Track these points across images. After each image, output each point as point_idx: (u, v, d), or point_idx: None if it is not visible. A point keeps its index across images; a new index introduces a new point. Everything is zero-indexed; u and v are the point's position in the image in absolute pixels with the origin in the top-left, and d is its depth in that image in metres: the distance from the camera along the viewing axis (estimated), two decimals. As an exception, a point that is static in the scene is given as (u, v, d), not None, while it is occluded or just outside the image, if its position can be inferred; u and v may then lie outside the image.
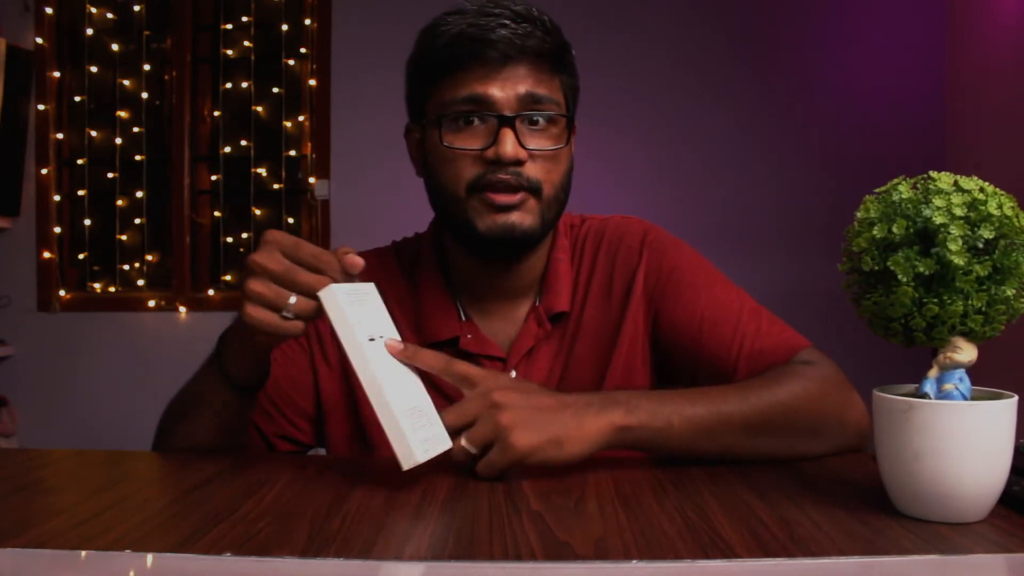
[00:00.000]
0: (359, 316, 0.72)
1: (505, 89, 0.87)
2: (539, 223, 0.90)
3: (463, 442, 0.73)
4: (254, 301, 0.72)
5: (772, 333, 0.93)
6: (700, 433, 0.78)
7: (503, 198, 0.87)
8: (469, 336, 0.95)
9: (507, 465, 0.73)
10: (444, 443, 0.73)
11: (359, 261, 0.73)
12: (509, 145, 0.86)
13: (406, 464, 0.69)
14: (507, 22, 0.87)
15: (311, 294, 0.71)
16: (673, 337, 0.96)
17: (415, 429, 0.70)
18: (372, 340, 0.72)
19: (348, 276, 0.73)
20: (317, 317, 0.73)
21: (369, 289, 0.76)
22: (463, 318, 0.97)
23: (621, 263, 0.99)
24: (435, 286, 0.98)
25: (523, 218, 0.88)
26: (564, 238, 1.01)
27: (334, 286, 0.71)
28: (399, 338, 0.76)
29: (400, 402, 0.70)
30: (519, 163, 0.87)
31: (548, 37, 0.89)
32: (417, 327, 0.97)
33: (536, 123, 0.89)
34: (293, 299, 0.71)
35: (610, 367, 0.96)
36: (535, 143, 0.89)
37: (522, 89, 0.88)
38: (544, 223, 0.91)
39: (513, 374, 0.94)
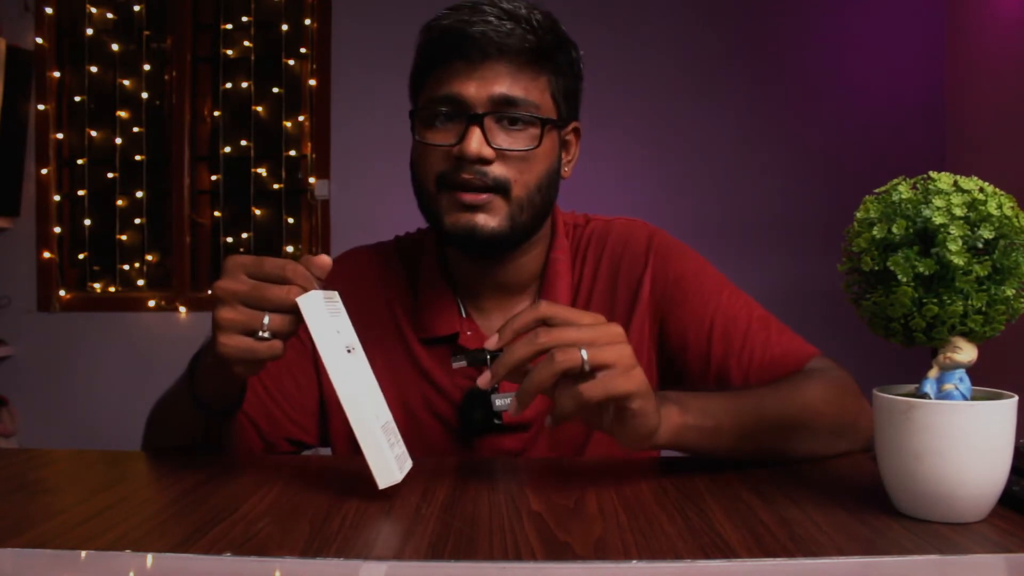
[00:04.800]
0: (338, 325, 0.68)
1: (479, 88, 0.86)
2: (507, 224, 0.88)
3: (584, 355, 0.65)
4: (227, 329, 0.68)
5: (782, 343, 0.93)
6: (745, 434, 0.77)
7: (469, 197, 0.87)
8: (469, 333, 0.95)
9: (616, 392, 0.66)
10: (409, 461, 0.72)
11: (327, 261, 0.70)
12: (474, 143, 0.85)
13: (385, 482, 0.66)
14: (491, 19, 0.86)
15: (284, 308, 0.68)
16: (680, 345, 0.96)
17: (392, 446, 0.68)
18: (350, 351, 0.69)
19: (320, 282, 0.70)
20: (293, 332, 0.69)
21: (336, 296, 0.73)
22: (463, 315, 0.97)
23: (626, 268, 0.99)
24: (436, 281, 0.98)
25: (488, 220, 0.88)
26: (564, 238, 1.00)
27: (314, 293, 0.67)
28: (361, 348, 0.72)
29: (377, 419, 0.68)
30: (484, 162, 0.86)
31: (533, 35, 0.87)
32: (415, 321, 0.97)
33: (515, 123, 0.88)
34: (267, 318, 0.68)
35: None
36: (507, 142, 0.88)
37: (496, 90, 0.87)
38: (515, 225, 0.89)
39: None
